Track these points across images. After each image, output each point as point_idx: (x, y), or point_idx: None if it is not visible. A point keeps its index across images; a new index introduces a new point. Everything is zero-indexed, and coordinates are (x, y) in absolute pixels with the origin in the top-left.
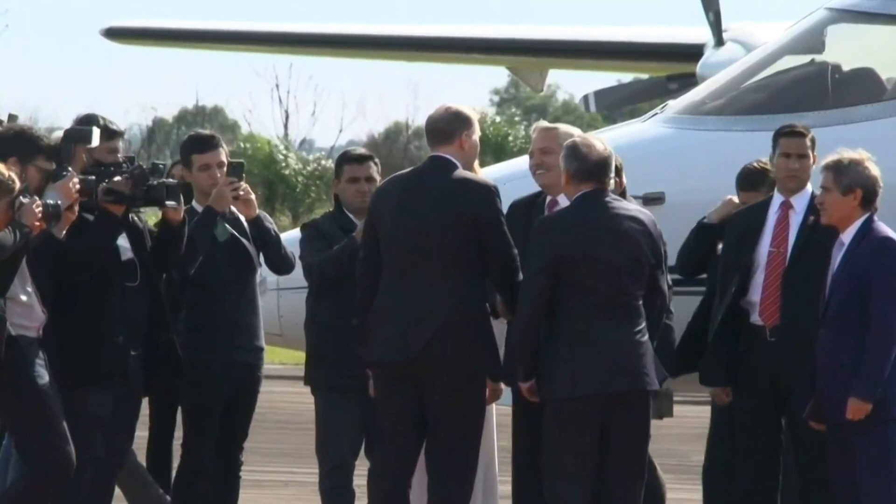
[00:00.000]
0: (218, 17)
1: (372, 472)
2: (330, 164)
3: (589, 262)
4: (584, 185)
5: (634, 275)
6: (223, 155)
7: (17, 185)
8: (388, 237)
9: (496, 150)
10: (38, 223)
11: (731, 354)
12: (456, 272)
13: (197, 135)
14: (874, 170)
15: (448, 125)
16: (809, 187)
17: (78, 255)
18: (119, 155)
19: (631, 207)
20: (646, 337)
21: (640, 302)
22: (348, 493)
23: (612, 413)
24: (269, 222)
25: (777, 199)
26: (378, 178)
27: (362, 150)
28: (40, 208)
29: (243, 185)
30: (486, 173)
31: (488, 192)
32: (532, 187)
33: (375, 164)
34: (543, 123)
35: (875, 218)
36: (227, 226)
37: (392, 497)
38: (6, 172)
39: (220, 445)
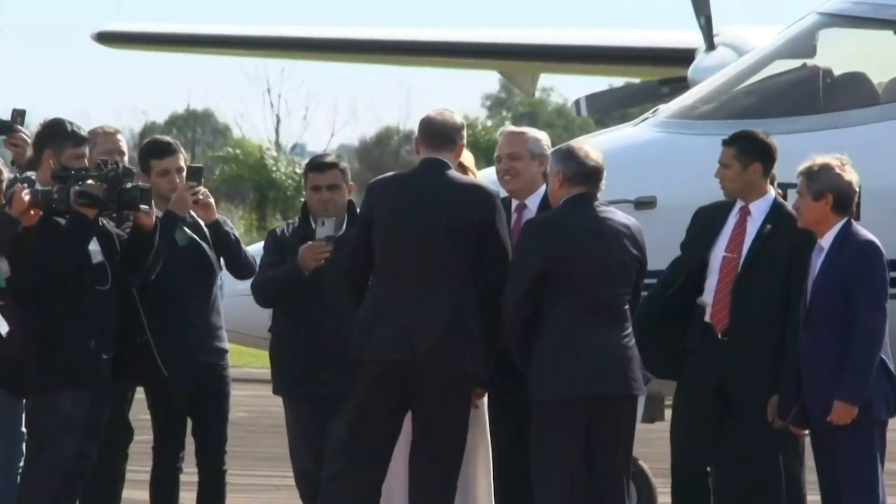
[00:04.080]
0: (209, 22)
1: (342, 473)
2: None
3: (576, 264)
4: (577, 189)
5: (621, 277)
6: (182, 160)
7: (4, 176)
8: (387, 238)
9: (488, 154)
10: (31, 212)
11: (676, 348)
12: (457, 274)
13: (155, 140)
14: (849, 175)
15: (454, 131)
16: (772, 193)
17: (50, 259)
18: (86, 160)
19: (618, 213)
20: (633, 340)
21: (627, 305)
22: (315, 499)
23: (598, 416)
24: (229, 227)
25: (738, 203)
26: (344, 184)
27: (328, 157)
28: (28, 195)
29: (203, 189)
30: (483, 175)
31: (491, 197)
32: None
33: (341, 171)
34: (510, 127)
35: (853, 222)
36: (186, 230)
37: (367, 499)
38: None
39: (199, 452)
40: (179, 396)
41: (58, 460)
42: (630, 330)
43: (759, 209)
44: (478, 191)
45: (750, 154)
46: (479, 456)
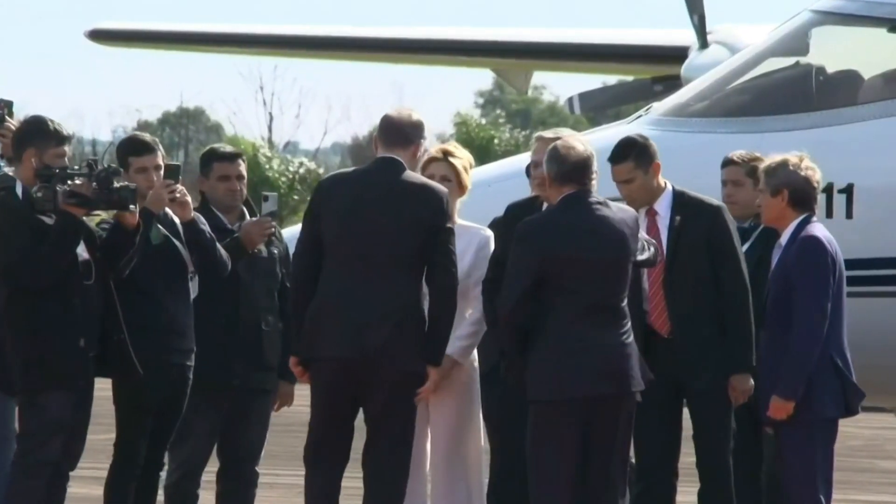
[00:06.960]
0: (203, 20)
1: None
2: (314, 166)
3: (573, 265)
4: (566, 188)
5: (619, 276)
6: (160, 158)
7: None
8: (339, 234)
9: (481, 152)
10: None
11: None
12: (408, 272)
13: (134, 137)
14: (808, 171)
15: (413, 130)
16: (669, 185)
17: (41, 260)
18: (66, 159)
19: (614, 208)
20: (631, 338)
21: (625, 303)
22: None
23: (596, 414)
24: (204, 224)
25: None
26: (246, 175)
27: (231, 148)
28: None
29: (179, 187)
30: (476, 173)
31: (443, 198)
32: (521, 187)
33: (243, 160)
34: (545, 133)
35: (813, 219)
36: (160, 227)
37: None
38: None
39: (158, 451)
40: (151, 394)
41: (44, 462)
42: (629, 327)
43: (663, 206)
44: (429, 191)
45: (645, 159)
46: (470, 450)
